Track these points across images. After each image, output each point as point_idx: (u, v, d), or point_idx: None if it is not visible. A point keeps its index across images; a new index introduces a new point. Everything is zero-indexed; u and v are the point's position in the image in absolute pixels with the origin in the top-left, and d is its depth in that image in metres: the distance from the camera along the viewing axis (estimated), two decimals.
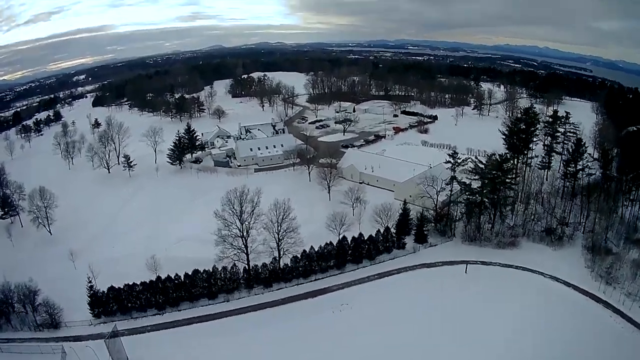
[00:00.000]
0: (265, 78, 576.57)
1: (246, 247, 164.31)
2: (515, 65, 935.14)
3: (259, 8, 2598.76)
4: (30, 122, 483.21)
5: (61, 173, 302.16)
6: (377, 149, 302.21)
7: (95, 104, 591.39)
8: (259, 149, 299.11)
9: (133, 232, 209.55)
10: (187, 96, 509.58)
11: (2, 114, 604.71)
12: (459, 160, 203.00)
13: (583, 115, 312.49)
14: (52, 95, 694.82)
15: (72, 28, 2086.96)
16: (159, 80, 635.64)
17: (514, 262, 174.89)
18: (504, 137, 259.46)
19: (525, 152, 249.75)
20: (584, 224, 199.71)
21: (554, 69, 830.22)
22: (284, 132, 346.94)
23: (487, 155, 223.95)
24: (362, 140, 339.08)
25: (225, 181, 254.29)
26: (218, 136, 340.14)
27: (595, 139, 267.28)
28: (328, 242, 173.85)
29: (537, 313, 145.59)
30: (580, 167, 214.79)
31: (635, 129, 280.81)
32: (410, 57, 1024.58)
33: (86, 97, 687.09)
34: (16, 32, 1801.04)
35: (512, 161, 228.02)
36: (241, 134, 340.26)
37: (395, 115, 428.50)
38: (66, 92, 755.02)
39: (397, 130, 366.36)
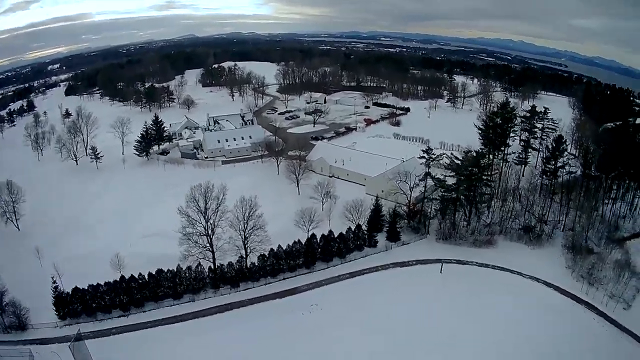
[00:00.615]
0: (236, 68, 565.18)
1: (211, 245, 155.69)
2: (489, 58, 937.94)
3: None
4: (4, 113, 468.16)
5: (30, 165, 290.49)
6: (348, 142, 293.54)
7: (68, 92, 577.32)
8: (226, 140, 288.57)
9: (99, 227, 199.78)
10: (157, 85, 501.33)
11: None
12: (433, 156, 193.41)
13: (561, 111, 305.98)
14: (26, 85, 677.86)
15: (50, 17, 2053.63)
16: (130, 70, 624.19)
17: (492, 261, 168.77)
18: (480, 131, 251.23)
19: (503, 148, 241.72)
20: (563, 222, 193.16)
21: (529, 64, 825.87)
22: (252, 123, 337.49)
23: (462, 150, 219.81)
24: (333, 132, 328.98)
25: (192, 173, 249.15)
26: (186, 127, 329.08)
27: (574, 135, 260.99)
28: (297, 240, 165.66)
29: (517, 315, 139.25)
30: (560, 164, 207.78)
31: (612, 125, 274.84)
32: (382, 49, 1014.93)
33: (59, 85, 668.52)
34: None
35: (488, 157, 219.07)
36: (209, 125, 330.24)
37: (367, 107, 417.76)
38: (41, 81, 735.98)
39: (369, 122, 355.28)
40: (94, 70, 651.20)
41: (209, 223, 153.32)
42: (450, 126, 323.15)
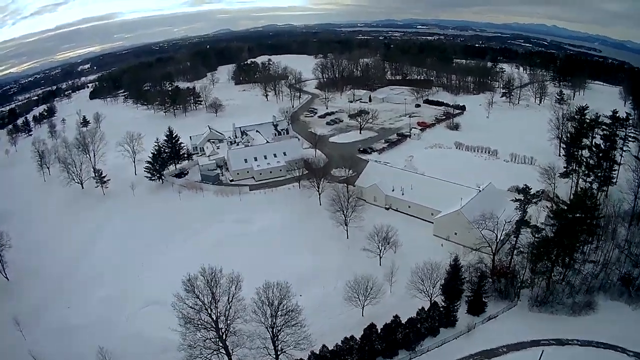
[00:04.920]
0: (270, 63, 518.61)
1: (226, 347, 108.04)
2: (526, 44, 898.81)
3: None
4: (20, 121, 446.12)
5: (34, 188, 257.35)
6: (403, 154, 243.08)
7: (92, 96, 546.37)
8: (255, 159, 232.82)
9: (94, 284, 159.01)
10: (181, 87, 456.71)
11: (2, 109, 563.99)
12: (530, 197, 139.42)
13: (612, 103, 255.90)
14: (54, 87, 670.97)
15: (79, 18, 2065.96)
16: (159, 68, 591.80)
17: (594, 335, 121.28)
18: (564, 145, 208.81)
19: (599, 172, 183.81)
20: None
21: (565, 49, 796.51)
22: (287, 133, 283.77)
23: (545, 167, 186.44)
24: (383, 141, 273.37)
25: (212, 205, 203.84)
26: (209, 140, 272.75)
27: None
28: (349, 336, 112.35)
29: None
30: None
31: None
32: (420, 37, 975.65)
33: (87, 87, 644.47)
34: (23, 25, 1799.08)
35: (596, 194, 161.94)
36: (236, 137, 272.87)
37: (418, 105, 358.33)
38: (69, 82, 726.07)
39: (423, 126, 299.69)
40: (121, 71, 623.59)
41: (219, 322, 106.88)
42: (513, 129, 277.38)
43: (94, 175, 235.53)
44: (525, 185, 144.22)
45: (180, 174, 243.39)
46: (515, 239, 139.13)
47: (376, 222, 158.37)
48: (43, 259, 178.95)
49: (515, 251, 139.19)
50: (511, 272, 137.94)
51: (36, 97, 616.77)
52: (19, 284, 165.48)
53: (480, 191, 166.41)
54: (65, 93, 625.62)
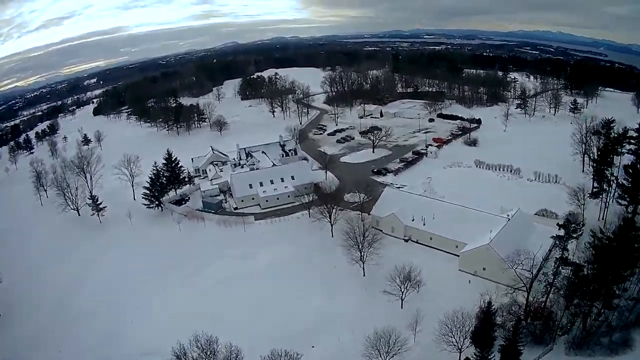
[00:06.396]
0: (277, 78, 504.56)
1: None
2: (533, 52, 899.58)
3: (272, 3, 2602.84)
4: (29, 136, 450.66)
5: (29, 213, 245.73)
6: (421, 175, 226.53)
7: (96, 112, 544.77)
8: (261, 184, 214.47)
9: (86, 326, 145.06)
10: (186, 102, 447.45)
11: (7, 124, 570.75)
12: (571, 231, 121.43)
13: (625, 111, 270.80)
14: (59, 102, 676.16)
15: (85, 32, 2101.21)
16: (163, 83, 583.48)
17: None
18: (592, 162, 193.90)
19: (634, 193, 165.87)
20: None
21: (572, 55, 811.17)
22: (296, 154, 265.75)
23: (574, 188, 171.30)
24: (398, 161, 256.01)
25: (214, 238, 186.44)
26: (211, 162, 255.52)
27: None
28: None
29: None
30: None
31: None
32: (427, 47, 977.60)
33: (92, 102, 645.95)
34: (28, 39, 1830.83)
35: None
36: (240, 159, 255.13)
37: (431, 120, 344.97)
38: (74, 97, 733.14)
39: (439, 142, 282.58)
40: (125, 87, 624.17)
41: None
42: (532, 143, 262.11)
43: (89, 202, 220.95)
44: (567, 219, 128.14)
45: (181, 201, 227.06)
46: (553, 277, 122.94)
47: (395, 256, 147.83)
48: (34, 294, 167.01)
49: (552, 289, 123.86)
50: (548, 314, 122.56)
51: (40, 113, 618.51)
52: (9, 320, 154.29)
53: (508, 219, 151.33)
54: (70, 109, 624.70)
